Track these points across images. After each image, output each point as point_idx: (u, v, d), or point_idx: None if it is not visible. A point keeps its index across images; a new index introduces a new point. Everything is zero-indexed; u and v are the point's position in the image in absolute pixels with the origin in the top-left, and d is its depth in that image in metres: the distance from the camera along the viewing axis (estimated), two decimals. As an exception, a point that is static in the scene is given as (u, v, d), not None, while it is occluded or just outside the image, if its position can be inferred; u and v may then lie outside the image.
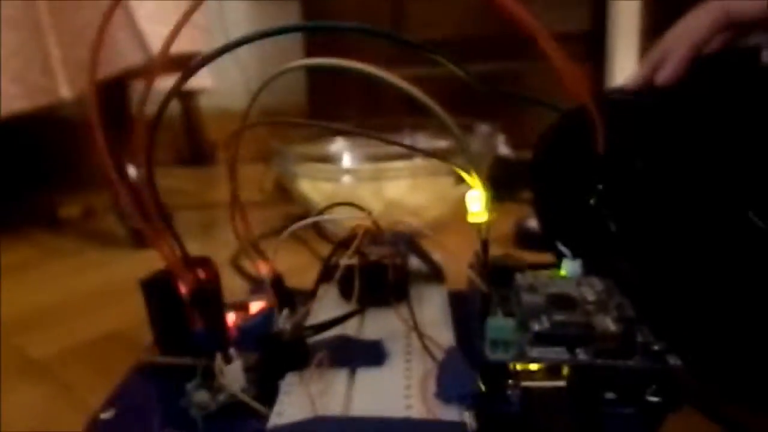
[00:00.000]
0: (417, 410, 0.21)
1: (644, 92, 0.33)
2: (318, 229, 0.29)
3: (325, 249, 0.46)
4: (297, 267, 0.31)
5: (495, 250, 0.28)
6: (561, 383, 0.22)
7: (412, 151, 0.46)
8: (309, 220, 0.25)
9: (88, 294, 0.61)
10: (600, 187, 0.25)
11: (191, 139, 1.18)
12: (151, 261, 0.71)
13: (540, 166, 0.37)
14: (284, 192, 0.88)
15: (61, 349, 0.49)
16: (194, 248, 0.30)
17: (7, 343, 0.50)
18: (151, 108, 0.26)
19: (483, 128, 0.72)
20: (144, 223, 0.22)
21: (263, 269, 0.28)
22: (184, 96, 1.05)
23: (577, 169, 0.31)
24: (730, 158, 0.25)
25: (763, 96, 0.27)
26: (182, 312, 0.26)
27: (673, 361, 0.22)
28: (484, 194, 0.24)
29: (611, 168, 0.24)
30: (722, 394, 0.26)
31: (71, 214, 0.87)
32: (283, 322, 0.23)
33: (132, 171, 0.71)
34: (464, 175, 0.24)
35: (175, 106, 1.06)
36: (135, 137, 0.23)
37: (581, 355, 0.23)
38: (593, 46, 1.04)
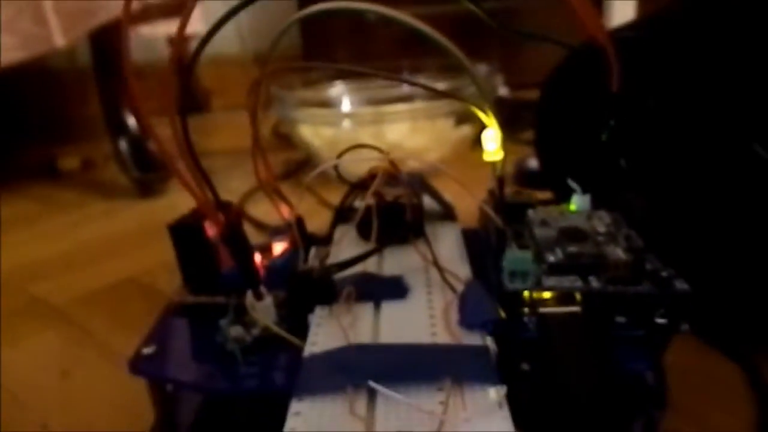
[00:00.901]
0: (442, 337, 0.22)
1: (648, 27, 0.33)
2: (336, 171, 0.30)
3: (327, 193, 0.47)
4: (302, 211, 0.32)
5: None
6: (575, 309, 0.24)
7: (431, 92, 0.45)
8: (331, 163, 0.26)
9: (97, 244, 0.62)
10: (612, 123, 0.26)
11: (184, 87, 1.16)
12: (155, 210, 0.72)
13: (547, 104, 0.38)
14: (283, 137, 0.88)
15: (77, 296, 0.50)
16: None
17: (23, 290, 0.51)
18: (143, 55, 0.26)
19: (481, 68, 0.72)
20: (175, 165, 0.23)
21: (286, 212, 0.29)
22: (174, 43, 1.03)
23: (586, 106, 0.32)
24: (735, 91, 0.26)
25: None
26: (212, 253, 0.27)
27: (680, 285, 0.23)
28: (499, 132, 0.25)
29: (623, 105, 0.25)
30: (727, 320, 0.28)
31: (70, 166, 0.87)
32: (311, 260, 0.24)
33: (131, 121, 0.72)
34: (480, 113, 0.25)
35: (165, 53, 1.05)
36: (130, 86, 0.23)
37: (594, 283, 0.24)
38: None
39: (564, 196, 0.30)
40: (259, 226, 0.58)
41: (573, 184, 0.29)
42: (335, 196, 0.34)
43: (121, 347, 0.41)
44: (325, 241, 0.31)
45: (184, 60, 0.25)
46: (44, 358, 0.42)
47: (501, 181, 0.26)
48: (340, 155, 0.28)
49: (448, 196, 0.36)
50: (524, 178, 0.64)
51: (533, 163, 0.59)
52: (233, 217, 0.27)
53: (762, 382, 0.31)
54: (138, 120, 0.68)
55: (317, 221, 0.37)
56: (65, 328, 0.46)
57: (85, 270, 0.56)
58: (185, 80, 0.22)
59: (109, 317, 0.47)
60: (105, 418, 0.35)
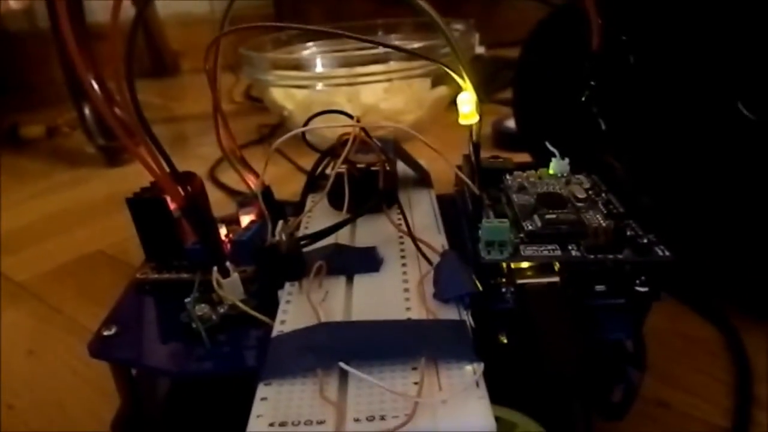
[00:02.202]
0: (416, 312, 0.21)
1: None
2: (304, 139, 0.28)
3: (302, 157, 0.45)
4: (276, 178, 0.31)
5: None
6: (554, 279, 0.23)
7: (405, 52, 0.44)
8: (299, 130, 0.24)
9: (64, 214, 0.60)
10: (592, 83, 0.24)
11: (152, 50, 1.12)
12: (124, 178, 0.70)
13: (528, 64, 0.36)
14: (256, 101, 0.85)
15: (43, 271, 0.49)
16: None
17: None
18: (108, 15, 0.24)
19: (458, 27, 0.70)
20: (128, 138, 0.21)
21: (251, 182, 0.27)
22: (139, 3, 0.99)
23: (566, 67, 0.31)
24: (719, 50, 0.25)
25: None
26: (174, 228, 0.26)
27: (661, 252, 0.23)
28: (475, 95, 0.24)
29: (604, 63, 0.24)
30: (706, 283, 0.28)
31: (34, 134, 0.84)
32: (279, 233, 0.23)
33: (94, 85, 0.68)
34: (455, 75, 0.23)
35: (131, 14, 1.00)
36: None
37: (573, 251, 0.23)
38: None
39: (542, 158, 0.29)
40: (233, 193, 0.57)
41: (551, 148, 0.28)
42: (310, 160, 0.33)
43: (89, 323, 0.40)
44: (297, 209, 0.30)
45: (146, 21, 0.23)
46: (10, 337, 0.40)
47: (477, 146, 0.24)
48: (307, 121, 0.27)
49: (423, 159, 0.35)
50: (502, 139, 0.63)
51: (511, 123, 0.57)
52: (195, 188, 0.25)
53: (740, 345, 0.31)
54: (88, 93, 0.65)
55: (293, 186, 0.35)
56: (32, 305, 0.44)
57: (51, 243, 0.54)
58: (132, 45, 0.20)
59: (78, 292, 0.45)
60: (74, 396, 0.34)
